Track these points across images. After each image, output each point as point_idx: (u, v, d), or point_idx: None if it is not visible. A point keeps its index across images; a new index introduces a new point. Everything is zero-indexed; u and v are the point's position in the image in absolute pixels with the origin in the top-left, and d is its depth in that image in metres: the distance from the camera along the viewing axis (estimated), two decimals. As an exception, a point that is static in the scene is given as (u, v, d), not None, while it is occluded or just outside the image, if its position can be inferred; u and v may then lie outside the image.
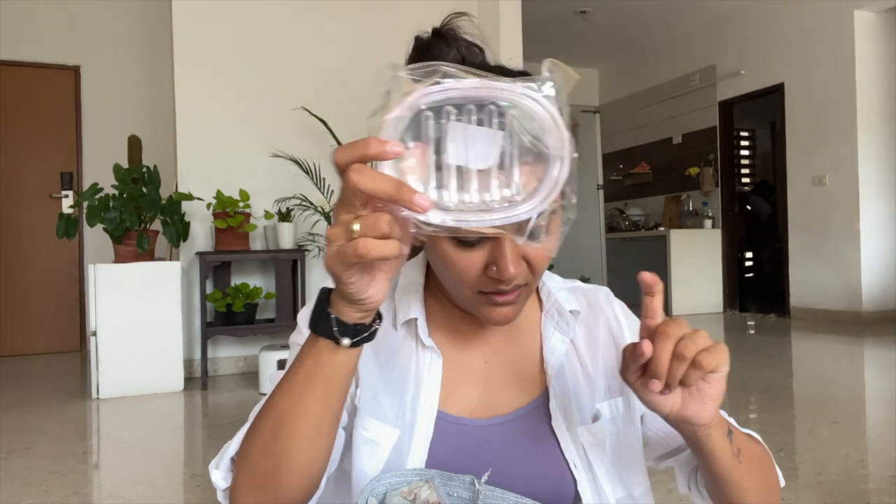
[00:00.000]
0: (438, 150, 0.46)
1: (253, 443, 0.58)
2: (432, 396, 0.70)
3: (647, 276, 0.56)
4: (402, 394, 0.70)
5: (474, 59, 0.69)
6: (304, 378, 0.55)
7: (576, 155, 0.49)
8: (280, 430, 0.56)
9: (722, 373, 0.56)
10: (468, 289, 0.64)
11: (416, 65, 0.47)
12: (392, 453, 0.68)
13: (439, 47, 0.69)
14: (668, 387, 0.55)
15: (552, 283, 0.79)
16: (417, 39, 0.70)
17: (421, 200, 0.44)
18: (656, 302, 0.56)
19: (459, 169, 0.47)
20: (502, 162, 0.47)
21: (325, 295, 0.54)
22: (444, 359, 0.72)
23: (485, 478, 0.63)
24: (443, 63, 0.47)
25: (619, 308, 0.81)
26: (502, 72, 0.65)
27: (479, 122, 0.46)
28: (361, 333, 0.53)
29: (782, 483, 0.74)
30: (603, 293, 0.82)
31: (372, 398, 0.71)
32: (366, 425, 0.69)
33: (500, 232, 0.48)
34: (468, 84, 0.45)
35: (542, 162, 0.48)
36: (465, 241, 0.60)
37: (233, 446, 0.62)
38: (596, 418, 0.73)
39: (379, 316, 0.55)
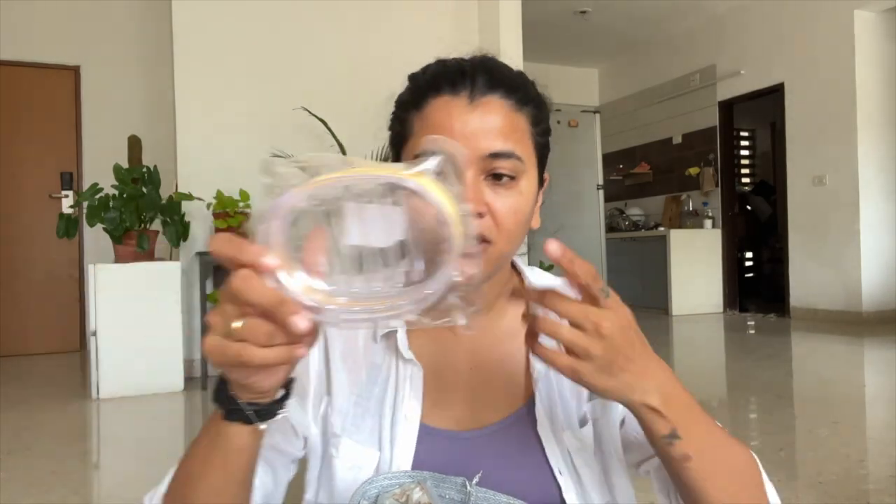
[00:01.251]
0: (335, 234, 0.45)
1: (171, 490, 0.60)
2: (413, 412, 0.69)
3: (552, 247, 0.52)
4: (381, 412, 0.69)
5: None
6: (205, 447, 0.55)
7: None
8: (185, 487, 0.57)
9: (608, 338, 0.52)
10: (428, 238, 0.62)
11: (295, 159, 0.45)
12: (374, 474, 0.67)
13: None
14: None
15: (539, 283, 0.77)
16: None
17: (299, 322, 0.43)
18: (576, 266, 0.52)
19: (359, 251, 0.45)
20: (401, 241, 0.45)
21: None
22: (429, 369, 0.70)
23: (476, 479, 0.62)
24: (323, 155, 0.45)
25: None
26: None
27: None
28: (253, 412, 0.51)
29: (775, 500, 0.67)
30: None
31: (350, 424, 0.69)
32: (347, 451, 0.68)
33: (419, 321, 0.46)
34: (346, 175, 0.44)
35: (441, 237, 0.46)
36: None
37: (166, 480, 0.63)
38: (583, 423, 0.71)
39: (285, 393, 0.53)
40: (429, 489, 0.60)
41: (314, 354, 0.71)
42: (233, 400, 0.51)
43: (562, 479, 0.68)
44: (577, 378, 0.54)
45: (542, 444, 0.69)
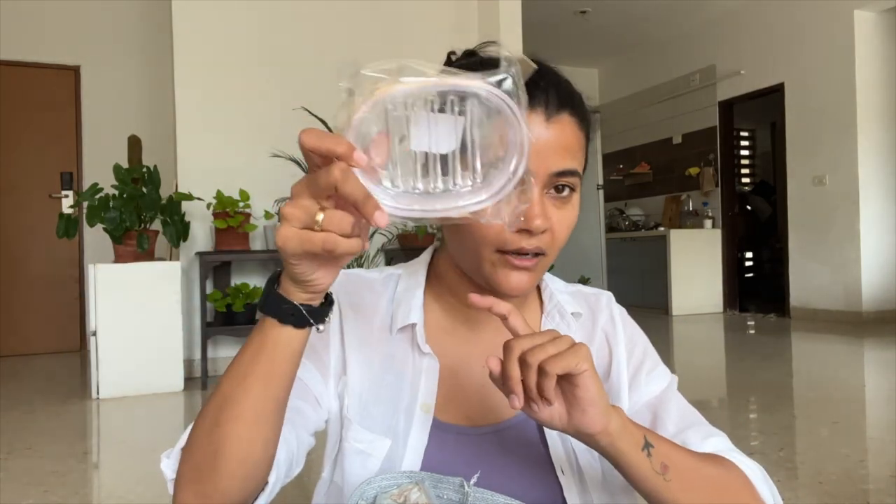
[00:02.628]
0: (402, 139, 0.47)
1: (196, 429, 0.57)
2: (428, 404, 0.69)
3: (477, 299, 0.57)
4: (396, 401, 0.70)
5: None
6: (249, 358, 0.54)
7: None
8: (220, 413, 0.55)
9: (582, 373, 0.54)
10: (489, 247, 0.63)
11: (378, 63, 0.48)
12: (384, 463, 0.68)
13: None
14: (531, 399, 0.55)
15: (555, 286, 0.79)
16: (449, 56, 0.72)
17: (379, 218, 0.45)
18: (510, 322, 0.57)
19: (424, 155, 0.48)
20: (464, 147, 0.48)
21: (274, 276, 0.54)
22: (442, 364, 0.71)
23: (474, 480, 0.63)
24: (407, 60, 0.48)
25: (618, 312, 0.81)
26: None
27: (441, 111, 0.47)
28: (306, 313, 0.53)
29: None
30: (605, 297, 0.82)
31: (362, 409, 0.70)
32: (357, 437, 0.69)
33: (467, 216, 0.49)
34: (429, 81, 0.46)
35: (503, 149, 0.49)
36: None
37: (184, 436, 0.60)
38: None
39: (329, 300, 0.55)
40: (426, 489, 0.60)
41: (333, 336, 0.72)
42: (287, 301, 0.52)
43: (563, 479, 0.69)
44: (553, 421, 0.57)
45: (546, 444, 0.70)
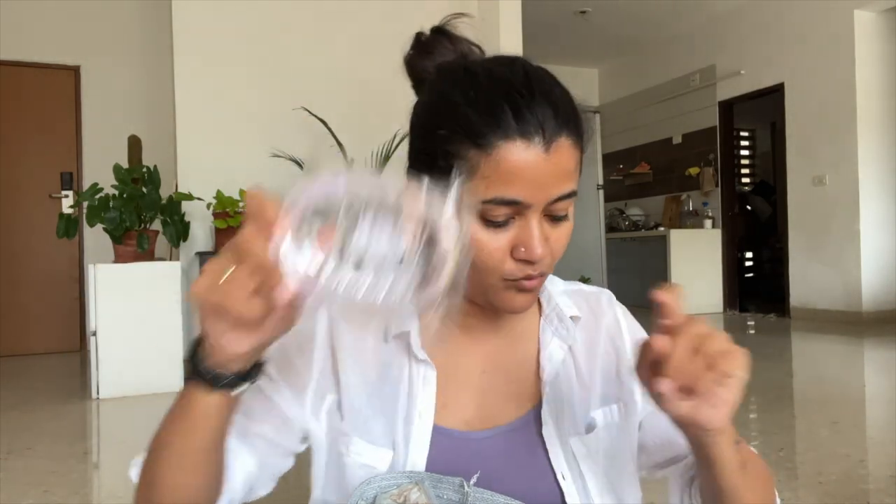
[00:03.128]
0: (344, 239, 0.46)
1: (145, 458, 0.61)
2: (427, 411, 0.69)
3: (662, 296, 0.54)
4: (394, 411, 0.69)
5: (476, 59, 0.69)
6: (175, 409, 0.57)
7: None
8: (154, 452, 0.59)
9: (738, 377, 0.53)
10: (494, 275, 0.63)
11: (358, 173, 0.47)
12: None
13: (442, 44, 0.69)
14: (682, 389, 0.53)
15: (553, 287, 0.77)
16: (418, 36, 0.70)
17: (280, 292, 0.45)
18: (673, 303, 0.54)
19: (365, 251, 0.46)
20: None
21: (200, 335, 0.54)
22: (440, 370, 0.70)
23: (474, 480, 0.62)
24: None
25: (621, 312, 0.79)
26: (520, 57, 0.66)
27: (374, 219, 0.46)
28: (214, 378, 0.53)
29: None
30: (605, 297, 0.80)
31: (362, 423, 0.69)
32: (359, 450, 0.68)
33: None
34: (367, 183, 0.46)
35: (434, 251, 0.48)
36: (492, 220, 0.61)
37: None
38: (590, 428, 0.71)
39: (253, 371, 0.54)
40: (426, 489, 0.60)
41: (319, 352, 0.71)
42: (201, 361, 0.52)
43: (564, 484, 0.68)
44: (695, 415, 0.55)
45: (546, 448, 0.69)
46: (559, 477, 0.68)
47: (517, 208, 0.60)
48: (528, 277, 0.63)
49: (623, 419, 0.73)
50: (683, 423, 0.56)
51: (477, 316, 0.71)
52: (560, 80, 0.65)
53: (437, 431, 0.69)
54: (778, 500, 0.70)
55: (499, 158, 0.59)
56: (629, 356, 0.75)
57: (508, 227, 0.61)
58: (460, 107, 0.61)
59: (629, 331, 0.77)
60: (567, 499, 0.68)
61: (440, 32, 0.70)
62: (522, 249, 0.61)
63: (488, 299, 0.66)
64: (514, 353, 0.73)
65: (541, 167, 0.59)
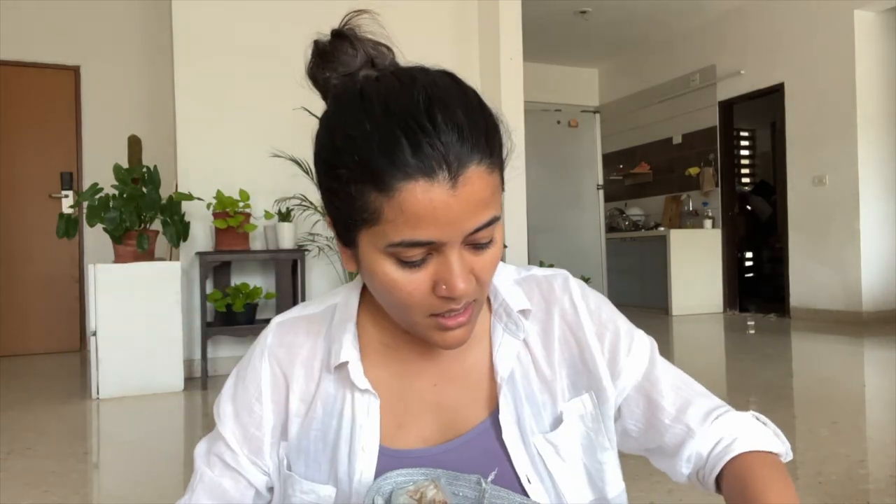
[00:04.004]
0: None
1: None
2: (371, 443, 0.67)
3: None
4: (337, 446, 0.68)
5: (383, 61, 0.65)
6: None
7: None
8: None
9: None
10: (418, 313, 0.60)
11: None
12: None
13: (344, 50, 0.65)
14: None
15: (500, 279, 0.72)
16: (317, 44, 0.66)
17: None
18: None
19: None
20: None
21: None
22: (390, 394, 0.69)
23: (491, 477, 0.61)
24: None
25: (578, 295, 0.73)
26: (423, 72, 0.60)
27: None
28: None
29: (787, 454, 0.73)
30: (559, 280, 0.74)
31: (312, 461, 0.69)
32: (303, 488, 0.68)
33: None
34: None
35: None
36: (407, 261, 0.57)
37: None
38: (557, 423, 0.68)
39: None
40: (443, 487, 0.59)
41: (267, 406, 0.70)
42: None
43: (530, 488, 0.66)
44: None
45: (509, 454, 0.67)
46: (524, 481, 0.66)
47: (431, 247, 0.57)
48: (452, 313, 0.60)
49: (596, 407, 0.70)
50: None
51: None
52: (468, 86, 0.60)
53: (389, 455, 0.67)
54: (784, 446, 0.73)
55: (401, 201, 0.54)
56: (593, 342, 0.71)
57: (426, 264, 0.58)
58: (356, 142, 0.55)
59: (588, 313, 0.72)
60: (532, 500, 0.65)
61: (340, 36, 0.65)
62: (443, 287, 0.58)
63: (420, 335, 0.64)
64: (467, 359, 0.70)
65: (450, 205, 0.54)
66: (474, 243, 0.59)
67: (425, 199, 0.54)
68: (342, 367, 0.68)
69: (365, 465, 0.66)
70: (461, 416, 0.69)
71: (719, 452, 0.69)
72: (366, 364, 0.69)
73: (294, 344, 0.71)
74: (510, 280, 0.73)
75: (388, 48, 0.66)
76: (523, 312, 0.70)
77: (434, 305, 0.60)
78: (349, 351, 0.68)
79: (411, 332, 0.65)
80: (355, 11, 0.66)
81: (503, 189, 0.62)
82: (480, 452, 0.67)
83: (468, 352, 0.71)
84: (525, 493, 0.65)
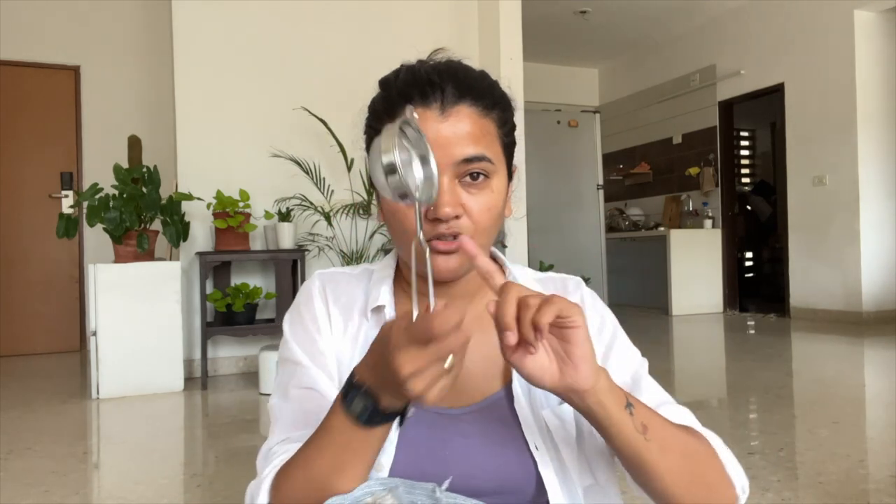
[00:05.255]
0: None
1: (296, 496, 0.64)
2: None
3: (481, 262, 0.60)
4: None
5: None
6: (352, 455, 0.61)
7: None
8: (328, 489, 0.62)
9: (578, 328, 0.56)
10: (411, 237, 0.67)
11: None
12: None
13: None
14: (525, 342, 0.56)
15: (520, 272, 0.82)
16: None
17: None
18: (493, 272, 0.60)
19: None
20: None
21: (361, 389, 0.58)
22: None
23: (445, 485, 0.64)
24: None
25: (588, 295, 0.83)
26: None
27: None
28: (401, 415, 0.60)
29: (740, 490, 0.69)
30: (573, 281, 0.84)
31: None
32: None
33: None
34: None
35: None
36: None
37: (260, 501, 0.66)
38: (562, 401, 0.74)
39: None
40: (400, 496, 0.61)
41: (326, 338, 0.77)
42: (394, 415, 0.59)
43: (538, 455, 0.71)
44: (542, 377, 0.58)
45: (520, 422, 0.72)
46: (532, 447, 0.71)
47: None
48: (440, 238, 0.68)
49: None
50: (561, 394, 0.60)
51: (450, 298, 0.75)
52: (488, 74, 0.75)
53: (415, 407, 0.70)
54: (738, 480, 0.69)
55: None
56: (592, 333, 0.76)
57: None
58: (386, 93, 0.73)
59: (594, 311, 0.80)
60: (540, 468, 0.70)
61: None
62: (431, 208, 0.66)
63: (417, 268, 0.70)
64: (485, 334, 0.74)
65: (438, 130, 0.67)
66: (470, 174, 0.69)
67: (420, 122, 0.64)
68: (378, 310, 0.77)
69: None
70: (478, 385, 0.74)
71: None
72: (398, 313, 0.77)
73: (336, 291, 0.80)
74: (530, 277, 0.82)
75: None
76: None
77: (426, 230, 0.67)
78: (386, 297, 0.77)
79: (411, 264, 0.72)
80: (435, 50, 0.78)
81: (511, 149, 0.75)
82: (495, 419, 0.73)
83: (487, 329, 0.75)
84: (533, 460, 0.71)
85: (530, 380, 0.58)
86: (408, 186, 0.56)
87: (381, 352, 0.55)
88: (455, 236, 0.68)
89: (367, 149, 0.73)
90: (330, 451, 0.62)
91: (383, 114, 0.72)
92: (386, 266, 0.82)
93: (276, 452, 0.70)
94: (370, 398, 0.58)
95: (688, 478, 0.65)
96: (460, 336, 0.52)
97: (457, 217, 0.68)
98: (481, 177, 0.69)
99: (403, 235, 0.70)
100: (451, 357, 0.52)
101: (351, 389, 0.59)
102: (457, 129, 0.68)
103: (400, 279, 0.80)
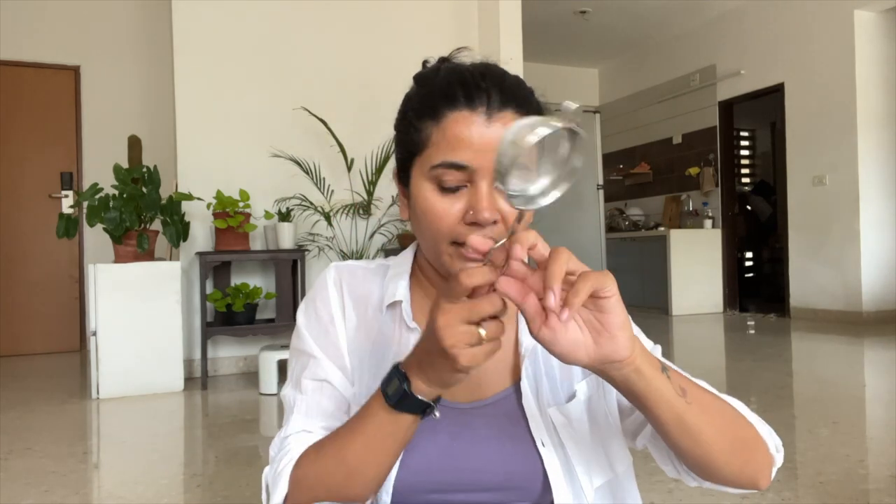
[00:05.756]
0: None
1: (322, 478, 0.67)
2: None
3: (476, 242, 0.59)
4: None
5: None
6: (380, 440, 0.64)
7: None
8: (350, 479, 0.66)
9: (612, 296, 0.55)
10: (445, 238, 0.69)
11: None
12: None
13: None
14: (565, 305, 0.54)
15: None
16: (424, 65, 0.80)
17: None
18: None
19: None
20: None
21: (400, 375, 0.62)
22: None
23: None
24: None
25: None
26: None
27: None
28: (433, 402, 0.63)
29: (774, 448, 0.71)
30: None
31: (364, 388, 0.75)
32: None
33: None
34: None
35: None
36: (446, 186, 0.68)
37: (280, 487, 0.69)
38: (570, 398, 0.75)
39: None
40: None
41: (340, 329, 0.78)
42: (427, 404, 0.62)
43: (544, 451, 0.71)
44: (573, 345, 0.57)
45: (527, 418, 0.73)
46: (538, 444, 0.72)
47: (466, 174, 0.67)
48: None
49: (600, 387, 0.76)
50: (598, 368, 0.58)
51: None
52: (523, 81, 0.74)
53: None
54: (771, 439, 0.70)
55: (446, 126, 0.68)
56: None
57: (461, 194, 0.68)
58: (425, 90, 0.72)
59: None
60: (546, 464, 0.71)
61: (444, 61, 0.77)
62: (471, 212, 0.67)
63: (443, 266, 0.71)
64: None
65: (483, 134, 0.67)
66: None
67: (465, 125, 0.67)
68: (395, 305, 0.78)
69: None
70: (487, 381, 0.76)
71: None
72: (414, 309, 0.78)
73: (352, 284, 0.81)
74: None
75: None
76: None
77: (460, 233, 0.68)
78: (403, 292, 0.78)
79: (436, 264, 0.73)
80: (459, 49, 0.78)
81: None
82: (503, 414, 0.74)
83: None
84: (540, 456, 0.72)
85: (564, 357, 0.57)
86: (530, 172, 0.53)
87: (428, 320, 0.57)
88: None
89: (403, 145, 0.74)
90: (362, 435, 0.64)
91: (425, 114, 0.71)
92: (403, 262, 0.82)
93: (291, 442, 0.72)
94: (405, 380, 0.61)
95: (730, 438, 0.65)
96: (493, 300, 0.54)
97: (494, 223, 0.67)
98: None
99: (436, 235, 0.70)
100: (485, 328, 0.54)
101: (391, 372, 0.63)
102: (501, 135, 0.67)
103: (417, 275, 0.81)
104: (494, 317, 0.55)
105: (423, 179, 0.70)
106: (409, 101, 0.74)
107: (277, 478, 0.69)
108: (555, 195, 0.55)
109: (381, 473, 0.66)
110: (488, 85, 0.69)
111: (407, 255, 0.83)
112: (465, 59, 0.76)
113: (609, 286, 0.55)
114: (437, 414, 0.63)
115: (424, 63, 0.79)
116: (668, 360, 0.67)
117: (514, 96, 0.70)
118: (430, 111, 0.70)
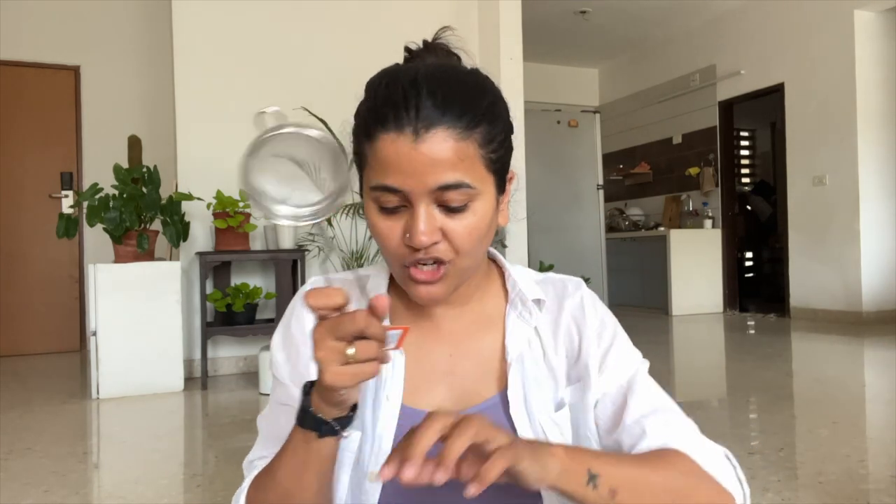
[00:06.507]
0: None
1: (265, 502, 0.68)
2: (395, 394, 0.73)
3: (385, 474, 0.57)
4: (364, 395, 0.73)
5: (452, 62, 0.76)
6: (298, 465, 0.63)
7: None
8: (288, 499, 0.65)
9: (494, 445, 0.56)
10: (395, 262, 0.68)
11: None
12: (357, 454, 0.73)
13: (423, 57, 0.75)
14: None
15: (518, 275, 0.80)
16: (406, 49, 0.78)
17: (378, 302, 0.55)
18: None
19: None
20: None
21: (307, 392, 0.61)
22: (410, 355, 0.74)
23: None
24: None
25: (588, 296, 0.81)
26: (437, 59, 0.73)
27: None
28: (341, 425, 0.62)
29: (742, 500, 0.69)
30: (573, 282, 0.82)
31: None
32: None
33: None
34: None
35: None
36: (384, 206, 0.66)
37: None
38: (560, 406, 0.75)
39: (354, 408, 0.63)
40: None
41: (308, 354, 0.76)
42: (322, 421, 0.61)
43: None
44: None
45: (515, 428, 0.72)
46: None
47: (402, 196, 0.64)
48: (419, 264, 0.66)
49: (580, 398, 0.75)
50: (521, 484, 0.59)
51: (439, 306, 0.75)
52: (479, 74, 0.70)
53: (408, 413, 0.72)
54: (729, 484, 0.68)
55: (376, 148, 0.65)
56: (592, 338, 0.77)
57: (400, 214, 0.66)
58: (367, 105, 0.68)
59: (595, 314, 0.79)
60: None
61: (426, 46, 0.76)
62: (408, 235, 0.65)
63: (403, 288, 0.71)
64: (482, 339, 0.77)
65: (411, 156, 0.63)
66: (445, 204, 0.65)
67: (392, 148, 0.63)
68: None
69: (387, 415, 0.72)
70: (473, 390, 0.75)
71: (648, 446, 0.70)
72: (393, 320, 0.77)
73: None
74: (530, 279, 0.81)
75: (458, 57, 0.76)
76: (537, 302, 0.77)
77: (405, 255, 0.67)
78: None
79: (400, 284, 0.72)
80: (442, 28, 0.77)
81: (501, 162, 0.69)
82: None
83: (483, 333, 0.77)
84: None
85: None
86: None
87: None
88: (436, 261, 0.66)
89: (356, 155, 0.72)
90: (287, 461, 0.64)
91: (362, 133, 0.67)
92: (380, 272, 0.81)
93: (255, 466, 0.73)
94: (308, 400, 0.61)
95: None
96: (354, 318, 0.54)
97: (435, 243, 0.65)
98: (458, 203, 0.66)
99: (386, 253, 0.69)
100: (351, 349, 0.54)
101: (303, 387, 0.62)
102: (432, 156, 0.62)
103: (396, 288, 0.79)
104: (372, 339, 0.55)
105: (367, 196, 0.68)
106: (356, 114, 0.71)
107: (237, 502, 0.72)
108: (323, 212, 0.59)
109: (314, 496, 0.64)
110: (422, 101, 0.63)
111: (382, 268, 0.82)
112: (451, 40, 0.76)
113: (493, 442, 0.56)
114: (345, 434, 0.62)
115: (406, 49, 0.76)
116: (606, 447, 0.70)
117: (451, 105, 0.64)
118: (364, 130, 0.67)
